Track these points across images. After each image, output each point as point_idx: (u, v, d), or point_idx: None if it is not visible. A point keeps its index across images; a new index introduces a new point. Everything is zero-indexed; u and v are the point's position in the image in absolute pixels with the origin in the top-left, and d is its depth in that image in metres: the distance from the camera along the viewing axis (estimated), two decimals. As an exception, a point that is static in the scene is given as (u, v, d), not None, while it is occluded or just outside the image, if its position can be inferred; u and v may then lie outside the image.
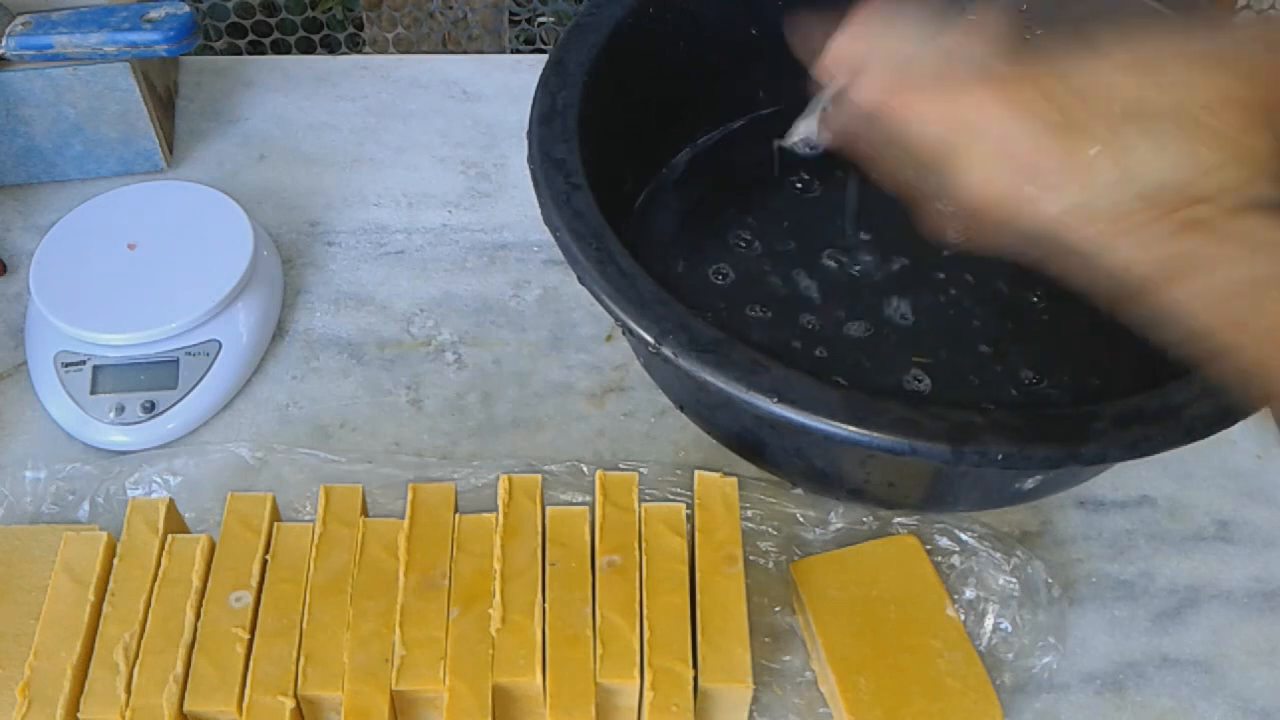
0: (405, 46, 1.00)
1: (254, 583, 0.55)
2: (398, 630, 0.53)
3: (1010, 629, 0.60)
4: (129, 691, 0.51)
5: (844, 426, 0.49)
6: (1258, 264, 0.39)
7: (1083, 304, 0.46)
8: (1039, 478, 0.58)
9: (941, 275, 0.68)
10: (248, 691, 0.52)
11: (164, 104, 0.82)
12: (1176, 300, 0.41)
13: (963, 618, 0.60)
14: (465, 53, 0.99)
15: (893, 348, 0.65)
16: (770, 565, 0.63)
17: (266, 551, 0.56)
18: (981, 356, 0.65)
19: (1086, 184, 0.41)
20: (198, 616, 0.54)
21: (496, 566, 0.55)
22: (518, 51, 1.03)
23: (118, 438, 0.67)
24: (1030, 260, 0.44)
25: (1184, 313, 0.41)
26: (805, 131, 0.52)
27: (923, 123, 0.45)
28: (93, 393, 0.67)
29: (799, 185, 0.72)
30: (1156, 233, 0.41)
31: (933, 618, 0.58)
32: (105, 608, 0.54)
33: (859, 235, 0.70)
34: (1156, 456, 0.50)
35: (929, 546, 0.62)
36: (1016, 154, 0.43)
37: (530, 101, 0.61)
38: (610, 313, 0.54)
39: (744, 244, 0.70)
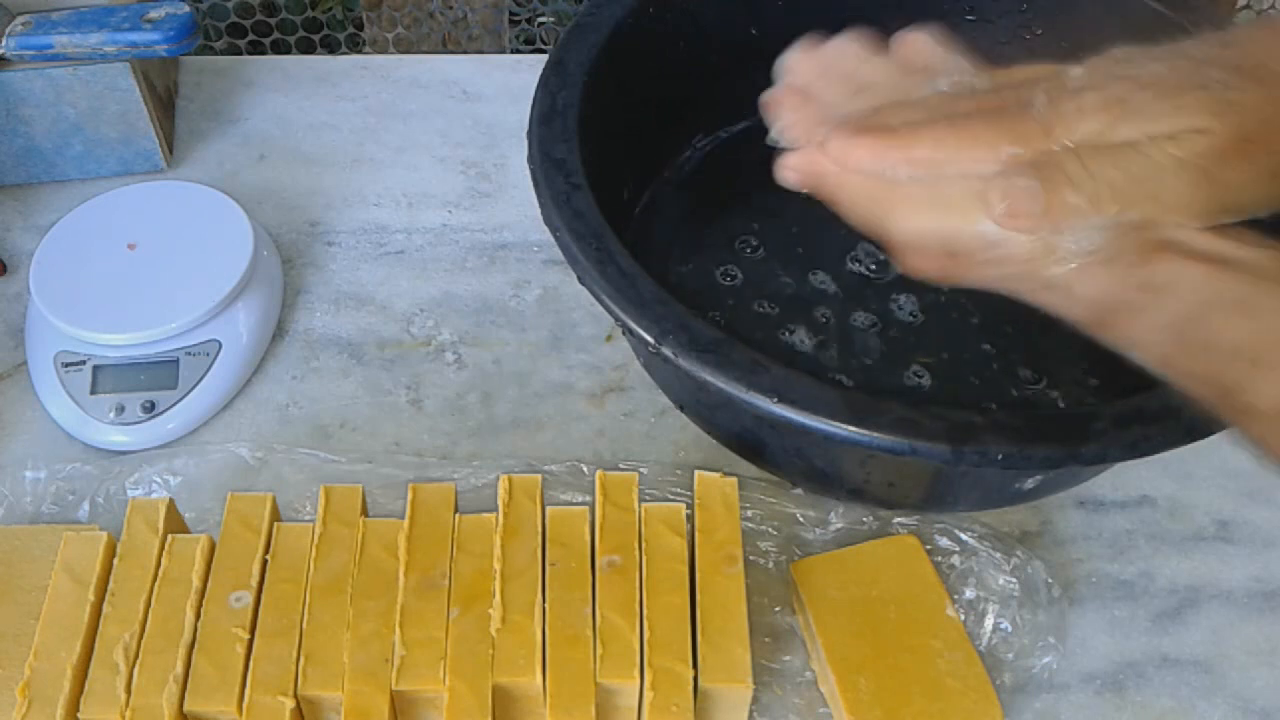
0: (405, 46, 1.00)
1: (254, 583, 0.55)
2: (398, 630, 0.53)
3: (1010, 629, 0.60)
4: (129, 691, 0.51)
5: (844, 426, 0.49)
6: (1213, 286, 0.39)
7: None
8: (1039, 478, 0.58)
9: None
10: (248, 691, 0.52)
11: (164, 104, 0.82)
12: (1119, 339, 0.42)
13: (963, 618, 0.60)
14: (465, 53, 0.99)
15: (895, 346, 0.65)
16: (770, 565, 0.63)
17: (266, 551, 0.56)
18: (982, 355, 0.65)
19: (1054, 226, 0.41)
20: (198, 616, 0.54)
21: (496, 566, 0.55)
22: (518, 51, 1.03)
23: (118, 438, 0.67)
24: (1005, 292, 0.44)
25: (1129, 350, 0.42)
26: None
27: (864, 173, 0.45)
28: (93, 393, 0.67)
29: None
30: (1121, 258, 0.40)
31: (933, 618, 0.58)
32: (105, 608, 0.54)
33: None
34: (1156, 456, 0.50)
35: (929, 546, 0.62)
36: (971, 197, 0.42)
37: (530, 101, 0.61)
38: (610, 313, 0.54)
39: (744, 244, 0.70)
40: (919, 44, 0.49)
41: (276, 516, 0.58)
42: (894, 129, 0.44)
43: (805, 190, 0.48)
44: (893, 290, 0.68)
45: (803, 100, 0.49)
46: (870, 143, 0.44)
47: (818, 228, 0.71)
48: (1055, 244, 0.41)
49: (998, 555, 0.62)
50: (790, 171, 0.48)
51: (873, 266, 0.69)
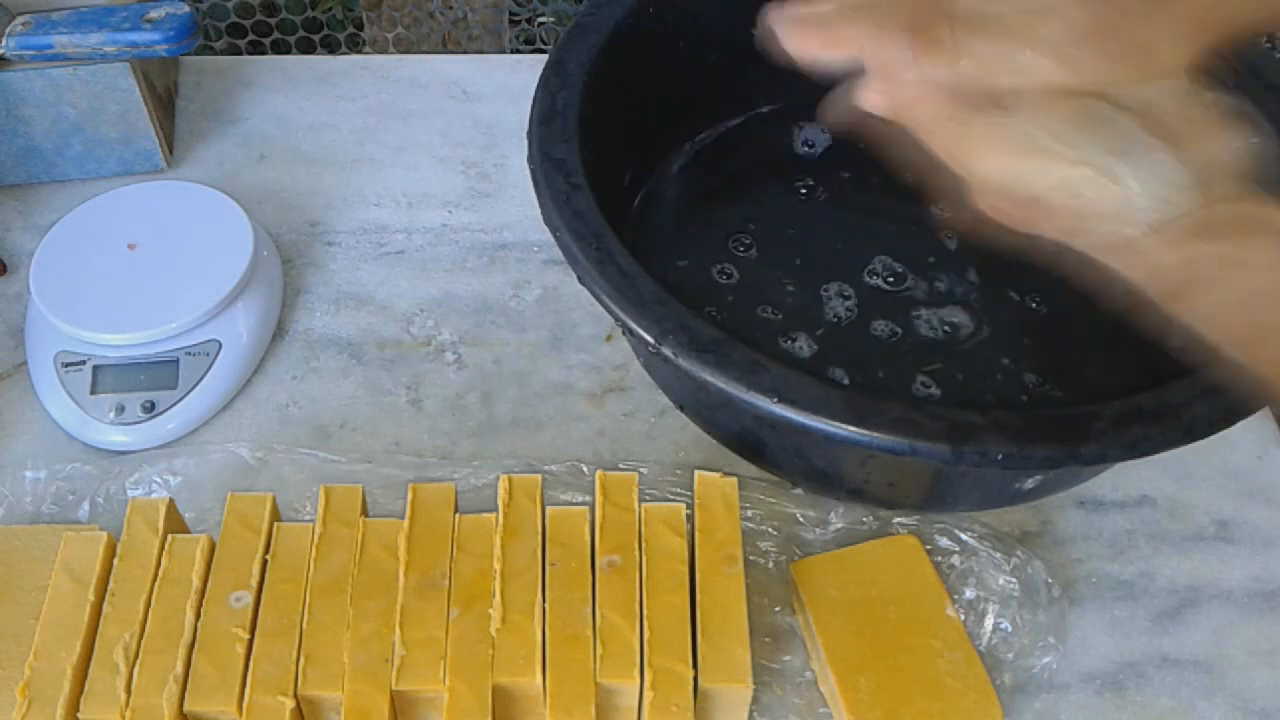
0: (405, 46, 1.00)
1: (254, 583, 0.55)
2: (398, 630, 0.53)
3: (1010, 629, 0.60)
4: (129, 691, 0.51)
5: (844, 426, 0.49)
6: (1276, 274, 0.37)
7: (1085, 307, 0.46)
8: (1039, 478, 0.58)
9: (942, 279, 0.68)
10: (248, 691, 0.52)
11: (164, 104, 0.82)
12: (1190, 313, 0.40)
13: (963, 618, 0.60)
14: (465, 53, 0.99)
15: (892, 348, 0.65)
16: (770, 565, 0.63)
17: (266, 551, 0.56)
18: (986, 359, 0.65)
19: (1110, 199, 0.40)
20: (198, 616, 0.54)
21: (496, 566, 0.55)
22: (518, 51, 1.03)
23: (118, 438, 0.67)
24: (1040, 259, 0.43)
25: (1198, 326, 0.40)
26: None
27: (933, 131, 0.43)
28: (93, 393, 0.67)
29: (800, 186, 0.72)
30: (1174, 235, 0.39)
31: (933, 618, 0.58)
32: (105, 608, 0.54)
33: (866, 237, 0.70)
34: (1156, 456, 0.50)
35: (929, 546, 0.62)
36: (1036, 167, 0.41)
37: (530, 101, 0.61)
38: (610, 313, 0.54)
39: (744, 244, 0.70)
40: None
41: (276, 516, 0.58)
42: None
43: (888, 116, 0.44)
44: (897, 291, 0.68)
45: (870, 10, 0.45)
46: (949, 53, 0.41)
47: (815, 229, 0.71)
48: (1139, 202, 0.39)
49: (998, 555, 0.62)
50: (875, 95, 0.44)
51: (873, 268, 0.69)
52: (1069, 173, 0.40)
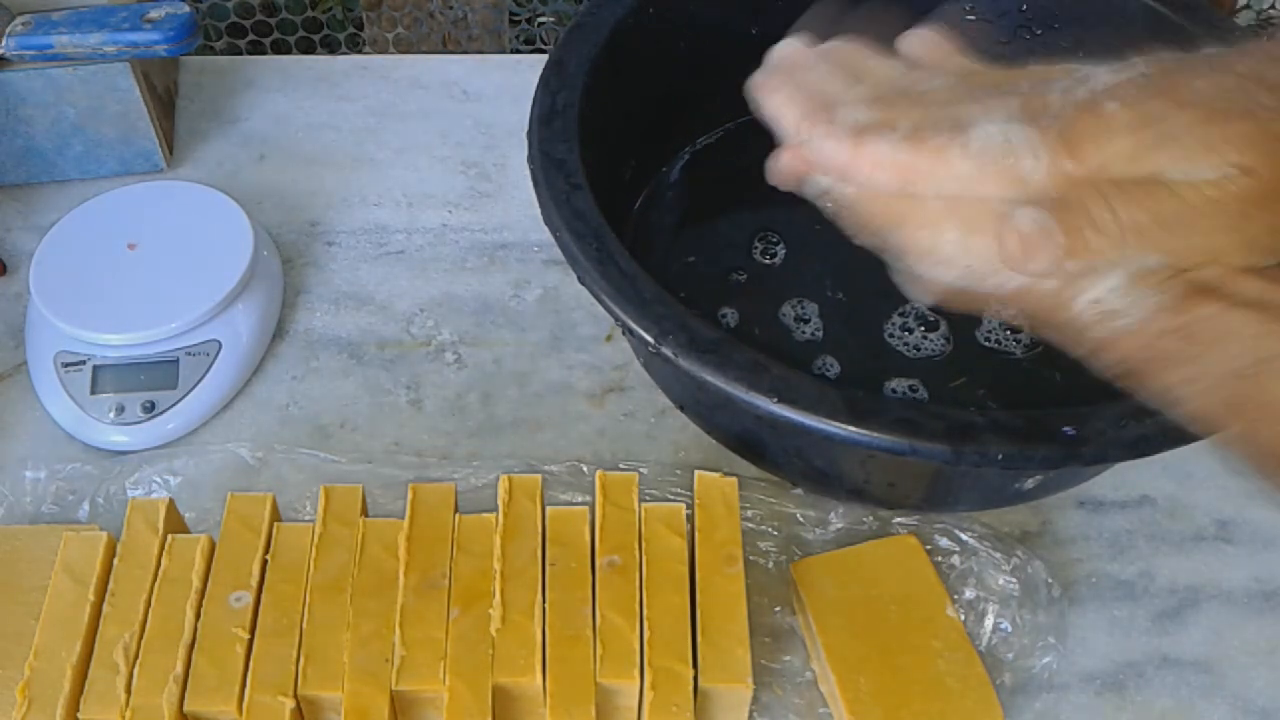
0: (405, 46, 1.00)
1: (254, 583, 0.55)
2: (398, 630, 0.53)
3: (1010, 629, 0.60)
4: (129, 691, 0.51)
5: (844, 426, 0.49)
6: (1268, 340, 0.34)
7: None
8: (1039, 478, 0.58)
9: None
10: (248, 691, 0.52)
11: (164, 104, 0.82)
12: (1171, 386, 0.37)
13: (963, 618, 0.60)
14: (465, 53, 0.99)
15: (892, 351, 0.66)
16: (770, 565, 0.63)
17: (266, 551, 0.56)
18: (981, 349, 0.65)
19: (1068, 271, 0.37)
20: (198, 616, 0.54)
21: (496, 566, 0.55)
22: (518, 51, 1.03)
23: (118, 438, 0.67)
24: (1026, 329, 0.41)
25: (1179, 398, 0.37)
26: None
27: (873, 188, 0.40)
28: (93, 393, 0.67)
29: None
30: (1157, 303, 0.36)
31: (933, 618, 0.58)
32: (105, 608, 0.54)
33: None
34: (1156, 456, 0.50)
35: (929, 546, 0.62)
36: (988, 232, 0.38)
37: (530, 101, 0.61)
38: (610, 313, 0.54)
39: (745, 245, 0.70)
40: (926, 40, 0.44)
41: (276, 516, 0.58)
42: (901, 138, 0.39)
43: (797, 191, 0.43)
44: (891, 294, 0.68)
45: (795, 85, 0.43)
46: (872, 150, 0.39)
47: (818, 226, 0.71)
48: (1084, 282, 0.37)
49: (998, 555, 0.62)
50: (780, 172, 0.43)
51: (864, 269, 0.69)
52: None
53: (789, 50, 0.46)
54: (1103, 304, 0.37)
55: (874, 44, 0.45)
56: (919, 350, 0.65)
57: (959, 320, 0.66)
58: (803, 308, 0.67)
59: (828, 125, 0.41)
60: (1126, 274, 0.36)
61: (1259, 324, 0.35)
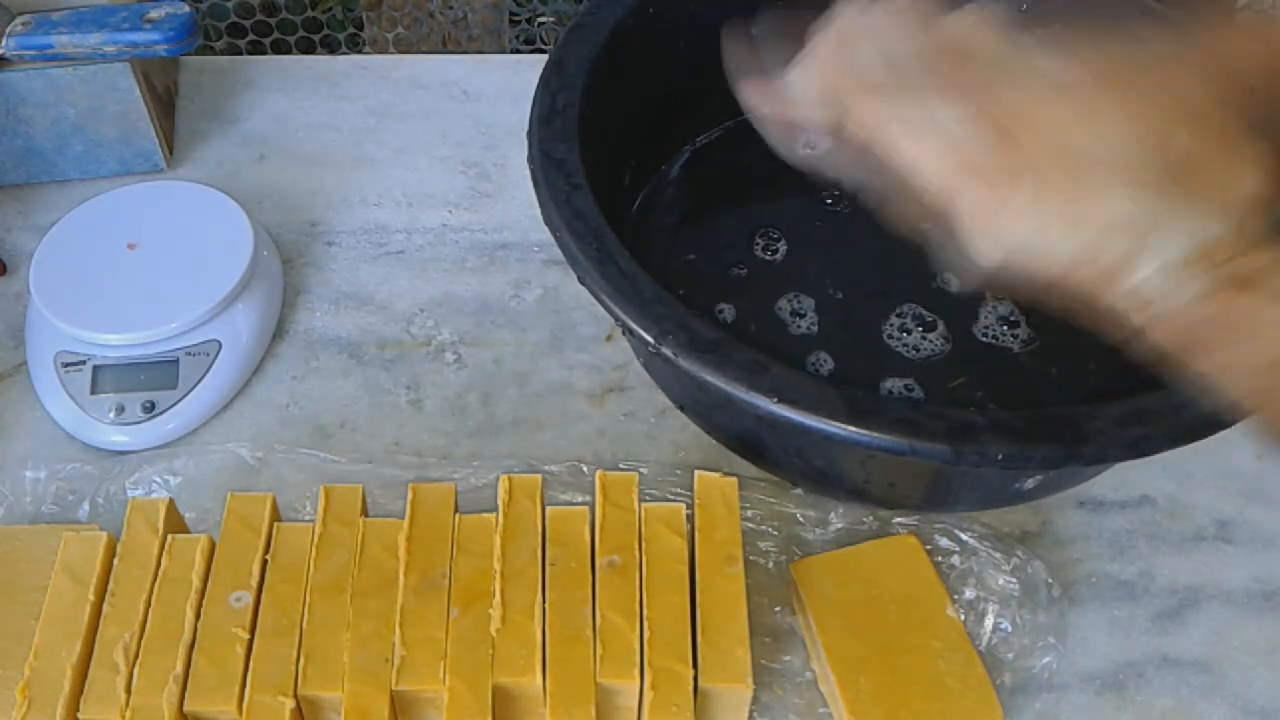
0: (405, 46, 1.00)
1: (254, 583, 0.55)
2: (398, 630, 0.53)
3: (1010, 629, 0.60)
4: (129, 691, 0.51)
5: (844, 426, 0.49)
6: None
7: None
8: (1039, 478, 0.58)
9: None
10: (248, 691, 0.52)
11: (164, 104, 0.82)
12: (1206, 372, 0.39)
13: (963, 618, 0.60)
14: (465, 53, 0.99)
15: (890, 351, 0.65)
16: (770, 565, 0.63)
17: (266, 551, 0.56)
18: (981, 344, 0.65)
19: (1123, 247, 0.38)
20: (198, 616, 0.54)
21: (496, 566, 0.55)
22: (518, 51, 1.03)
23: (118, 438, 0.67)
24: (1054, 308, 0.41)
25: (1216, 383, 0.39)
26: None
27: (920, 167, 0.41)
28: (93, 393, 0.67)
29: (805, 186, 0.72)
30: (1197, 291, 0.38)
31: (933, 618, 0.58)
32: (105, 608, 0.54)
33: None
34: (1156, 456, 0.50)
35: (929, 546, 0.62)
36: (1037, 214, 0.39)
37: (530, 101, 0.61)
38: (610, 313, 0.54)
39: (746, 245, 0.70)
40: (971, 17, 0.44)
41: (276, 516, 0.58)
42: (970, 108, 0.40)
43: (868, 143, 0.43)
44: (890, 292, 0.68)
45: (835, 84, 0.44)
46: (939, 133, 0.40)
47: (832, 231, 0.71)
48: (1128, 267, 0.38)
49: (998, 555, 0.62)
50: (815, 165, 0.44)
51: (857, 268, 0.69)
52: (1069, 213, 0.39)
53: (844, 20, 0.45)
54: (1145, 290, 0.38)
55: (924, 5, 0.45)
56: (918, 351, 0.65)
57: (956, 319, 0.66)
58: (799, 302, 0.67)
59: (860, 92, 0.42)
60: (1169, 261, 0.38)
61: None
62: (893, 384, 0.64)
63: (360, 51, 1.04)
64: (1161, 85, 0.40)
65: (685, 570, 0.56)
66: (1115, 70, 0.41)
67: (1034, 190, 0.39)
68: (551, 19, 1.06)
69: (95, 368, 0.68)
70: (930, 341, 0.65)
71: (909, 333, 0.66)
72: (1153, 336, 0.39)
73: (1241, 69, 0.40)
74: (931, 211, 0.41)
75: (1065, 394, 0.64)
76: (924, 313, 0.66)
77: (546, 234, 0.57)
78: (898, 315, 0.66)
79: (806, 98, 0.45)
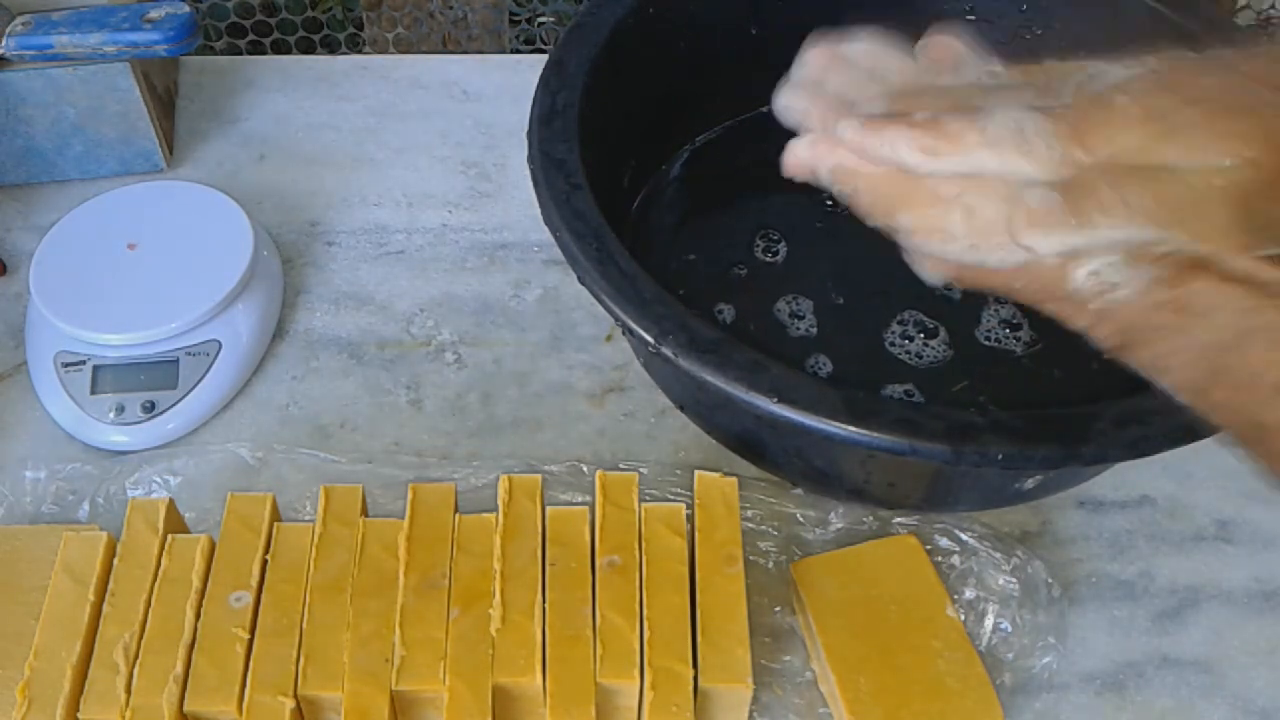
0: (405, 46, 1.00)
1: (254, 583, 0.55)
2: (398, 630, 0.53)
3: (1010, 629, 0.60)
4: (129, 691, 0.51)
5: (844, 426, 0.49)
6: (1254, 314, 0.36)
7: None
8: (1039, 478, 0.58)
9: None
10: (248, 691, 0.52)
11: (164, 104, 0.82)
12: (1161, 356, 0.39)
13: (963, 618, 0.60)
14: (465, 53, 0.99)
15: (891, 357, 0.65)
16: (770, 565, 0.63)
17: (266, 551, 0.56)
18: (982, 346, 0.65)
19: (1084, 242, 0.38)
20: (198, 616, 0.54)
21: (496, 566, 0.55)
22: (518, 51, 1.03)
23: (118, 438, 0.67)
24: (1024, 301, 0.42)
25: (1168, 368, 0.39)
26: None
27: (891, 162, 0.42)
28: (93, 393, 0.67)
29: (800, 186, 0.72)
30: (1153, 277, 0.38)
31: (933, 618, 0.58)
32: (105, 608, 0.54)
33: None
34: (1156, 456, 0.50)
35: (929, 546, 0.62)
36: (1000, 208, 0.40)
37: (530, 101, 0.61)
38: (610, 313, 0.54)
39: (747, 245, 0.70)
40: (946, 43, 0.46)
41: (276, 516, 0.58)
42: (920, 122, 0.41)
43: (811, 180, 0.45)
44: (888, 292, 0.68)
45: (817, 89, 0.46)
46: (893, 133, 0.41)
47: (834, 232, 0.71)
48: (1082, 257, 0.39)
49: (998, 555, 0.62)
50: (798, 159, 0.45)
51: (855, 269, 0.69)
52: (1006, 234, 0.39)
53: (810, 60, 0.47)
54: (1101, 276, 0.39)
55: (894, 40, 0.47)
56: (921, 358, 0.65)
57: (958, 324, 0.66)
58: (798, 304, 0.67)
59: (848, 117, 0.43)
60: (1124, 249, 0.38)
61: (1246, 298, 0.36)
62: (893, 390, 0.64)
63: (360, 51, 1.04)
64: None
65: (685, 570, 0.56)
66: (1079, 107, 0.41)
67: (964, 211, 0.40)
68: (551, 19, 1.05)
69: (95, 368, 0.68)
70: (933, 348, 0.65)
71: (911, 339, 0.65)
72: (1110, 323, 0.40)
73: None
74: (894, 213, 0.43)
75: (1069, 396, 0.64)
76: (925, 319, 0.66)
77: (546, 234, 0.57)
78: (899, 323, 0.66)
79: (789, 119, 0.46)
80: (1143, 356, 0.39)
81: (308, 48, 1.05)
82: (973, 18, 0.70)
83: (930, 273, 0.43)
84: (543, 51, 1.04)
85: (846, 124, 0.42)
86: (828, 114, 0.44)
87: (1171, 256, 0.38)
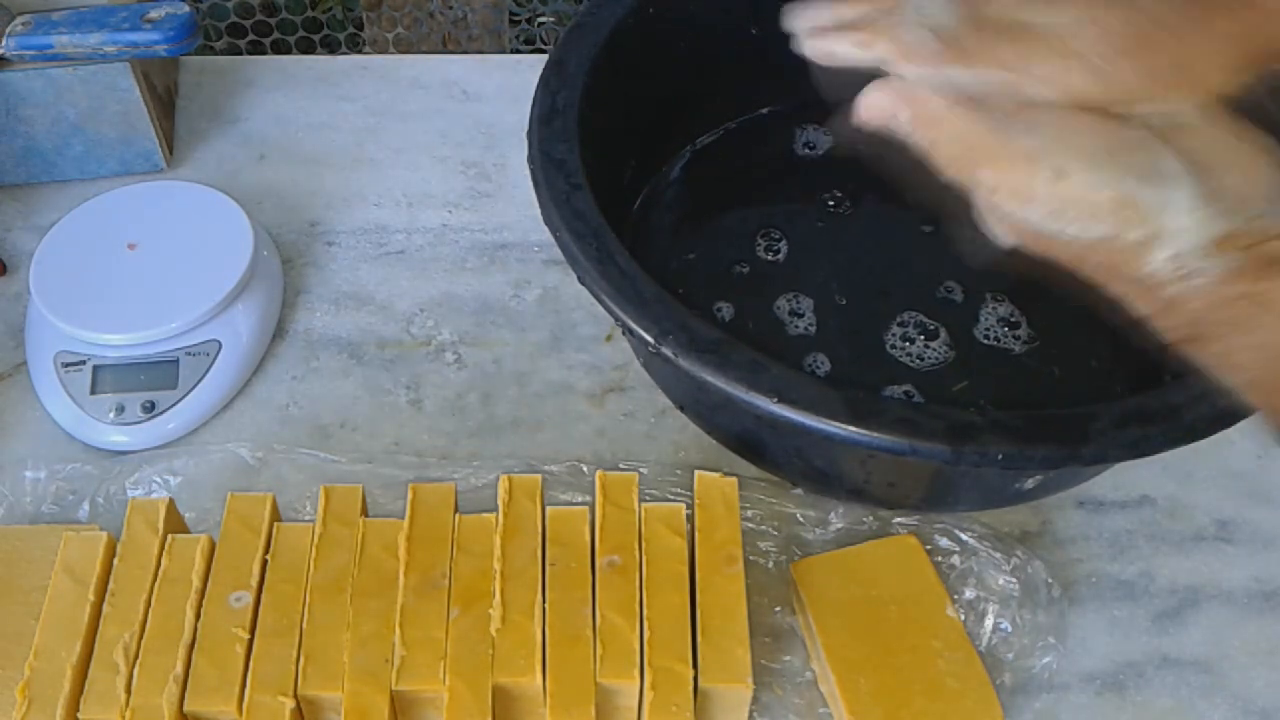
0: (405, 46, 1.00)
1: (254, 583, 0.55)
2: (398, 630, 0.53)
3: (1010, 629, 0.60)
4: (129, 691, 0.51)
5: (844, 426, 0.49)
6: None
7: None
8: (1039, 478, 0.58)
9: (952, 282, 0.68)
10: (248, 691, 0.52)
11: (164, 104, 0.82)
12: (1232, 351, 0.38)
13: (963, 618, 0.60)
14: (465, 53, 0.99)
15: (885, 350, 0.65)
16: (770, 565, 0.63)
17: (266, 551, 0.56)
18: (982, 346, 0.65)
19: (1133, 229, 0.38)
20: (198, 616, 0.54)
21: (496, 566, 0.55)
22: (518, 51, 1.03)
23: (118, 438, 0.67)
24: (1089, 278, 0.40)
25: (1215, 367, 0.38)
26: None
27: (938, 139, 0.41)
28: (93, 393, 0.67)
29: (806, 186, 0.72)
30: (1233, 267, 0.37)
31: (933, 618, 0.58)
32: (105, 608, 0.54)
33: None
34: (1156, 456, 0.50)
35: (929, 546, 0.62)
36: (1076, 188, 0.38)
37: (530, 101, 0.61)
38: (610, 313, 0.54)
39: (745, 241, 0.70)
40: None
41: (276, 516, 0.58)
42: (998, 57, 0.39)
43: (883, 129, 0.42)
44: (888, 292, 0.68)
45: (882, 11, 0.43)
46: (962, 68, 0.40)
47: (832, 232, 0.71)
48: (1165, 238, 0.37)
49: (998, 555, 0.62)
50: (875, 104, 0.42)
51: (858, 270, 0.69)
52: (1090, 197, 0.38)
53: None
54: (1180, 261, 0.38)
55: None
56: (922, 360, 0.65)
57: (958, 325, 0.66)
58: (797, 302, 0.67)
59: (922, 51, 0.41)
60: (1206, 237, 0.37)
61: None
62: (893, 391, 0.64)
63: (360, 51, 1.04)
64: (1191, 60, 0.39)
65: (685, 570, 0.56)
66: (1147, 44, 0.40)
67: (1052, 174, 0.39)
68: (551, 19, 1.06)
69: (95, 368, 0.68)
70: (934, 350, 0.65)
71: (911, 341, 0.65)
72: (1181, 312, 0.38)
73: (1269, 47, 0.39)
74: (949, 190, 0.41)
75: (1067, 394, 0.64)
76: (926, 320, 0.66)
77: (546, 234, 0.57)
78: (899, 325, 0.66)
79: (849, 54, 0.43)
80: (1212, 350, 0.38)
81: (308, 48, 1.05)
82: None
83: (1002, 233, 0.41)
84: (543, 51, 1.04)
85: (923, 58, 0.40)
86: (900, 32, 0.41)
87: (1256, 249, 0.37)
